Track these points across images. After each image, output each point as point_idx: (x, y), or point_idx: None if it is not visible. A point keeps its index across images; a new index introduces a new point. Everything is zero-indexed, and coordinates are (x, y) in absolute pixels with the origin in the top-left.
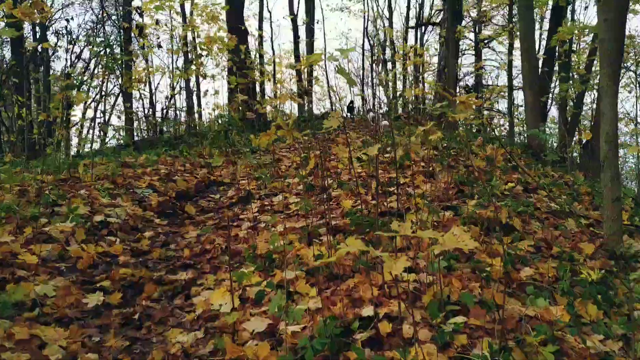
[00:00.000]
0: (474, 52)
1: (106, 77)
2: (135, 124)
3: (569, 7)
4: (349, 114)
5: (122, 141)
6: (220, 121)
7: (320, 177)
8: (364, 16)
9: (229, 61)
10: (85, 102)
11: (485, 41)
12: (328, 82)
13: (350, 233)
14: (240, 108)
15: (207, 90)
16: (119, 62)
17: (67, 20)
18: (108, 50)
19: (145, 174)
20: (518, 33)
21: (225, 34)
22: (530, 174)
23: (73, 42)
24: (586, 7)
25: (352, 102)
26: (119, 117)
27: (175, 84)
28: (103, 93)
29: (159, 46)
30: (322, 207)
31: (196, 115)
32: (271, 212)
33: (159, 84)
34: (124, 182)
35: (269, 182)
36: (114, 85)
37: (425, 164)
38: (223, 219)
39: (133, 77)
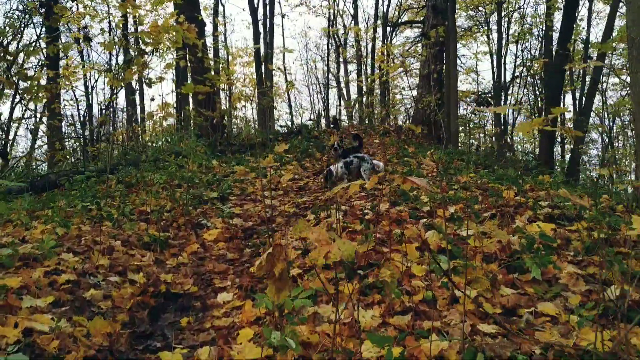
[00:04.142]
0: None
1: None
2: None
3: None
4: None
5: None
6: (169, 140)
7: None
8: (329, 13)
9: (181, 60)
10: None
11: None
12: (288, 89)
13: None
14: (205, 125)
15: (153, 98)
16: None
17: None
18: None
19: (27, 290)
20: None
21: (180, 23)
22: None
23: None
24: None
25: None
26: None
27: (115, 88)
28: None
29: (87, 39)
30: None
31: (138, 118)
32: None
33: (96, 81)
34: None
35: (297, 349)
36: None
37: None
38: None
39: (38, 86)
